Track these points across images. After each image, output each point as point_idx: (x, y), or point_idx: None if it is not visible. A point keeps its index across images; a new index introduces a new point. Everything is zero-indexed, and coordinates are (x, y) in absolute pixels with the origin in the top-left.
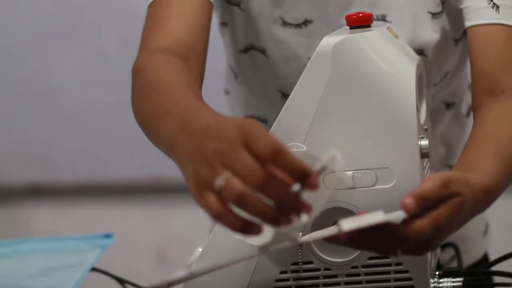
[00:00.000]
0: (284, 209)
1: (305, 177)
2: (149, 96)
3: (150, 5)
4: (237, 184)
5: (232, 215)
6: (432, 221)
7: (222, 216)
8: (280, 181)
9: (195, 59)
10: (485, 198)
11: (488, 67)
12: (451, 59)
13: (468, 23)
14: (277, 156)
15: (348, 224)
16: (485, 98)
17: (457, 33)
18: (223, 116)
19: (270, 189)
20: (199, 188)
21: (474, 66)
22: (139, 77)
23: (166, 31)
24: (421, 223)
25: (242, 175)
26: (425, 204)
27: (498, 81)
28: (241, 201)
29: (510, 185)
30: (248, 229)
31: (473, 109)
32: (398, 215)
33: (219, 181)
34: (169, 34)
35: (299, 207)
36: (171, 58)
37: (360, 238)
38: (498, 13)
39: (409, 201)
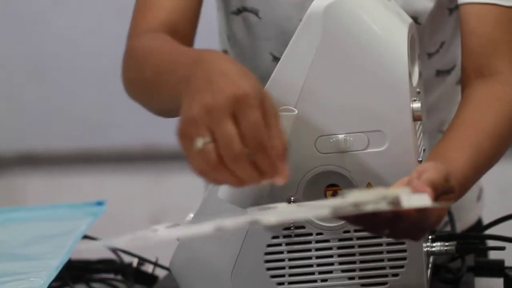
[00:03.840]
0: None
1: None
2: (148, 62)
3: None
4: (212, 153)
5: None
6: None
7: (205, 172)
8: (251, 165)
9: (181, 41)
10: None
11: (478, 47)
12: (445, 28)
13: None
14: (263, 145)
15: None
16: (474, 78)
17: (451, 3)
18: (237, 65)
19: (240, 167)
20: (183, 135)
21: (464, 45)
22: (132, 55)
23: (152, 16)
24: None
25: (221, 144)
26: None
27: (487, 63)
28: (211, 170)
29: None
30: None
31: (461, 87)
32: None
33: (198, 143)
34: (155, 18)
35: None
36: (160, 34)
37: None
38: None
39: (429, 190)
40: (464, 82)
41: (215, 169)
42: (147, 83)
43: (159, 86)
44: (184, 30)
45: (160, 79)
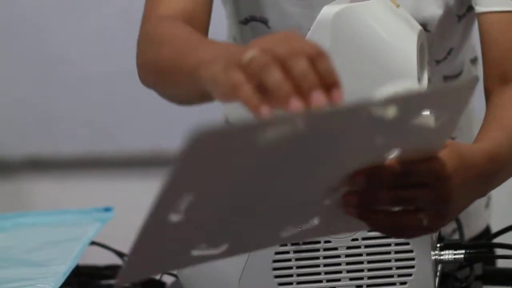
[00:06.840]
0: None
1: (334, 86)
2: (165, 44)
3: None
4: (265, 56)
5: (250, 86)
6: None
7: (241, 86)
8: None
9: (198, 29)
10: (489, 163)
11: (500, 56)
12: (454, 35)
13: (480, 9)
14: (319, 57)
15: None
16: (498, 85)
17: (460, 10)
18: None
19: (295, 62)
20: (227, 65)
21: (486, 55)
22: (147, 39)
23: (168, 3)
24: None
25: (272, 48)
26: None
27: (510, 69)
28: (266, 70)
29: None
30: (259, 106)
31: (486, 96)
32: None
33: (250, 53)
34: (171, 6)
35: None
36: (177, 20)
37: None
38: None
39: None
40: (488, 91)
41: (267, 68)
42: (164, 65)
43: (176, 68)
44: (200, 19)
45: (178, 61)
